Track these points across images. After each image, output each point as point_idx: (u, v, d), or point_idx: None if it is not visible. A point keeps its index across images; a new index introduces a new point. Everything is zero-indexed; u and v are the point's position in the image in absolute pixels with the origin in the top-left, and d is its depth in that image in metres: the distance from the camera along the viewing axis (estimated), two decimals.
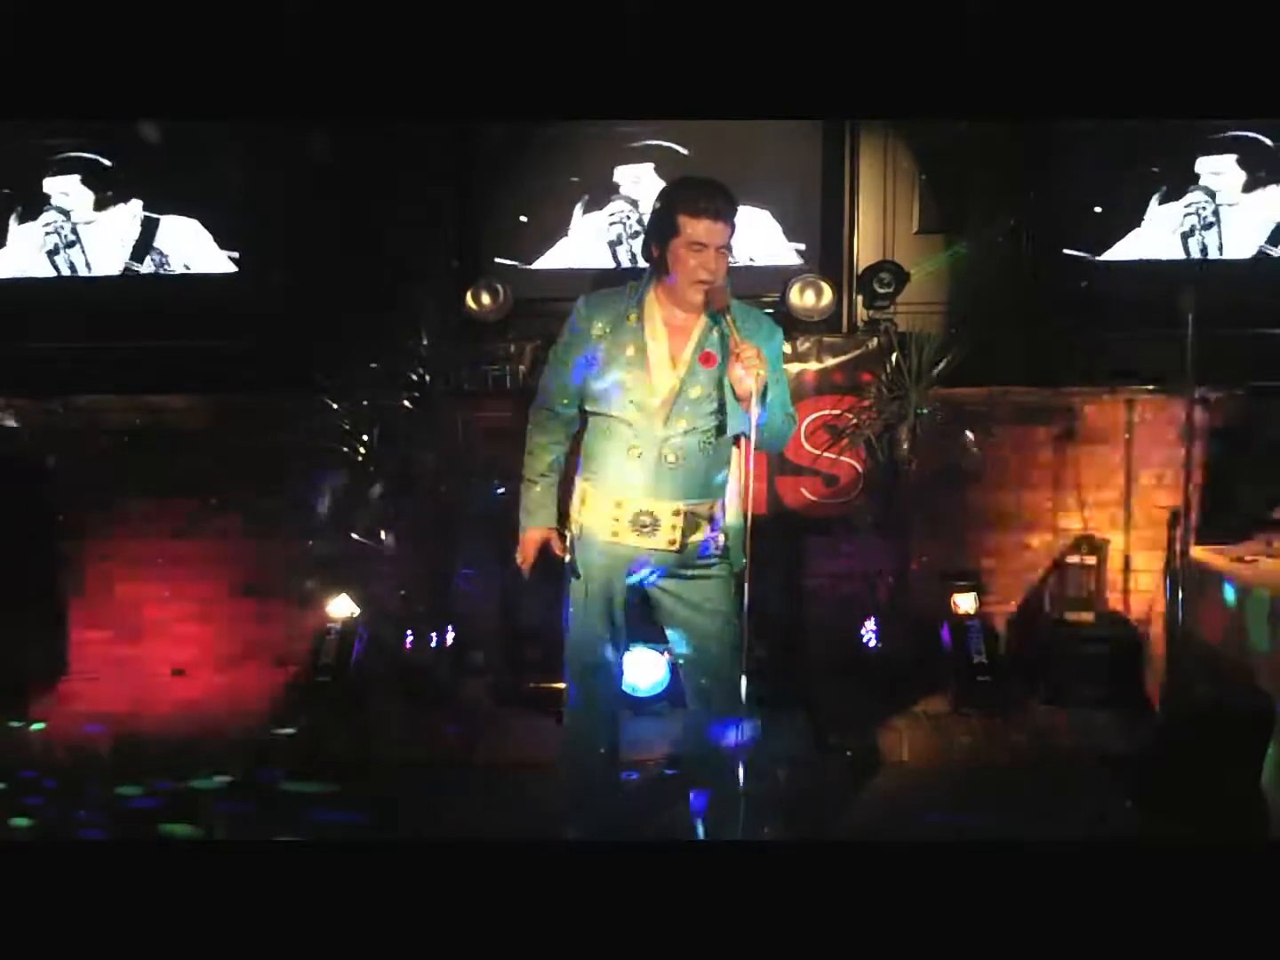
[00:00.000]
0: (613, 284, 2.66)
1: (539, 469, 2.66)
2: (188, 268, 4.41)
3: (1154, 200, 4.29)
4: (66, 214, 4.42)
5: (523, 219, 4.39)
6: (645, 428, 2.48)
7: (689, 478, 2.49)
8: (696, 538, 2.53)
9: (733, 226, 2.47)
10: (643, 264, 2.60)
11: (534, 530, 2.65)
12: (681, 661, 2.66)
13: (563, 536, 2.64)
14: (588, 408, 2.59)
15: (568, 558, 2.62)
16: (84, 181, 4.40)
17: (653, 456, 2.48)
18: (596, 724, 2.70)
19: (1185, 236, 4.32)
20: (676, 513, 2.50)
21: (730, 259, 2.50)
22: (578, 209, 4.36)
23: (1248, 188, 4.25)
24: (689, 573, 2.55)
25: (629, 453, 2.50)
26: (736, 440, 2.57)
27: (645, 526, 2.51)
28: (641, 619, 2.73)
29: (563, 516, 2.67)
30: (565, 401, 2.63)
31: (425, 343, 3.84)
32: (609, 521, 2.54)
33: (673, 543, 2.51)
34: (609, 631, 2.61)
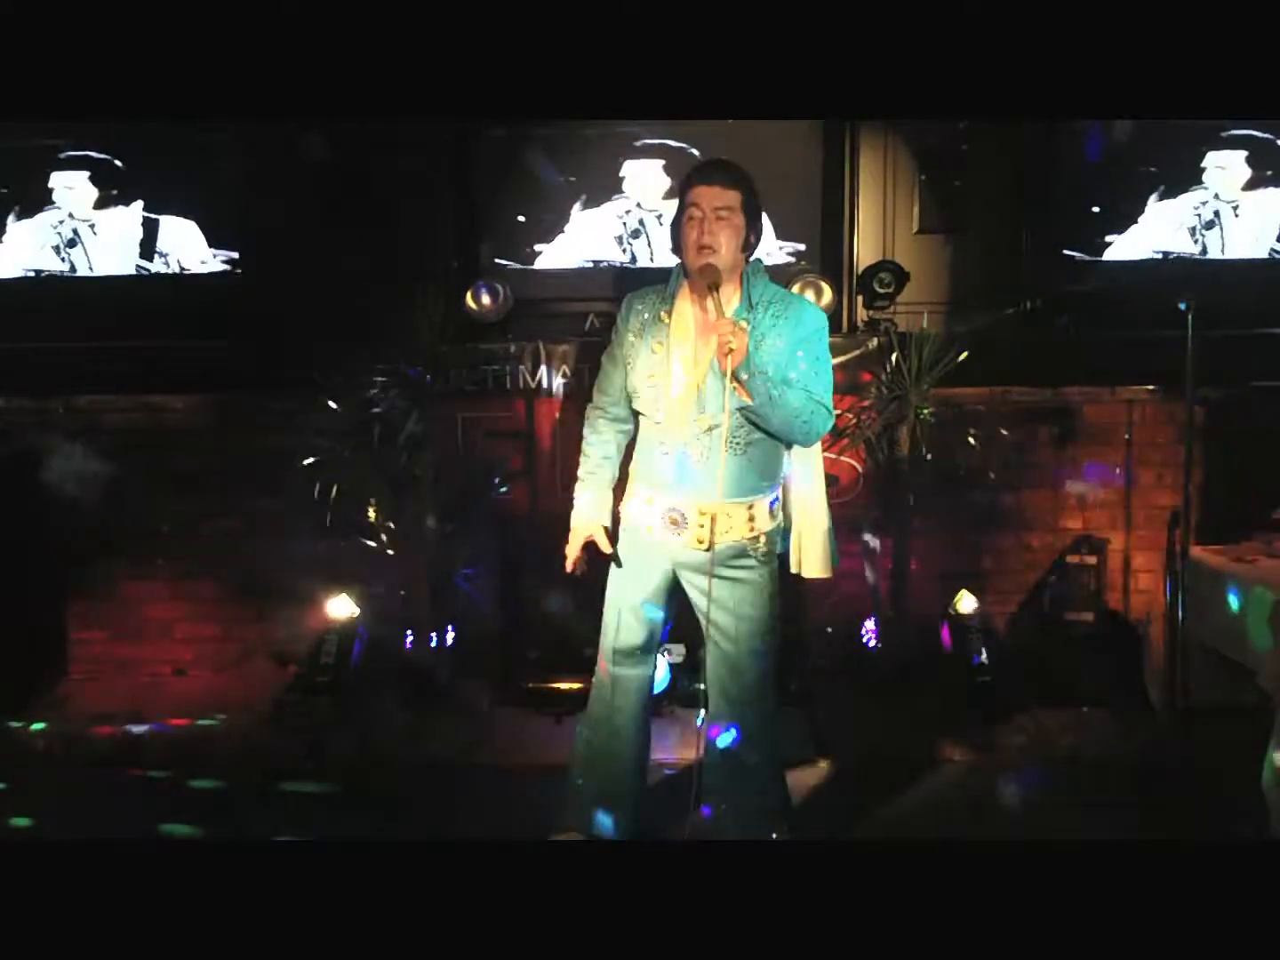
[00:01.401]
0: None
1: (587, 467, 2.69)
2: (187, 268, 4.41)
3: (1155, 199, 4.30)
4: (69, 212, 4.42)
5: (522, 219, 4.39)
6: (671, 425, 2.49)
7: (715, 477, 2.45)
8: (729, 538, 2.51)
9: (734, 191, 2.43)
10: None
11: (580, 525, 2.67)
12: (707, 660, 2.65)
13: (609, 533, 2.66)
14: (634, 406, 2.60)
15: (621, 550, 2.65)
16: (88, 180, 4.40)
17: (679, 454, 2.49)
18: (625, 715, 2.69)
19: (1187, 235, 4.32)
20: (703, 511, 2.49)
21: (747, 235, 2.47)
22: (577, 208, 4.36)
23: (1252, 186, 4.25)
24: (722, 573, 2.53)
25: (658, 449, 2.52)
26: (789, 445, 2.57)
27: (675, 523, 2.52)
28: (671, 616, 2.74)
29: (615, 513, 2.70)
30: (611, 400, 2.66)
31: (425, 343, 3.84)
32: (644, 516, 2.57)
33: (701, 541, 2.50)
34: (644, 620, 2.62)
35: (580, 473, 2.70)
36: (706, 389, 2.45)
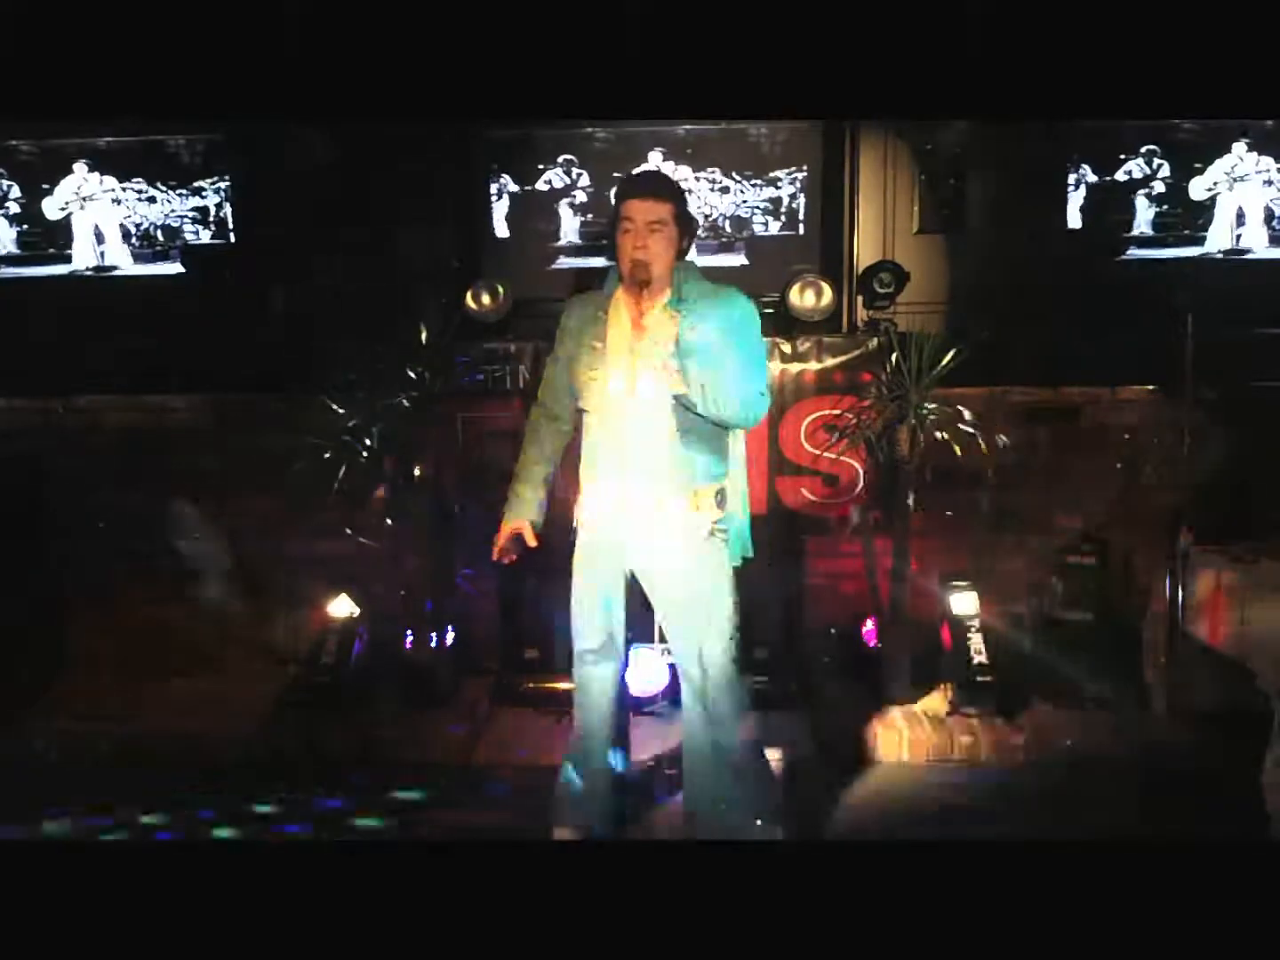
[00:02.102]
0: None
1: (521, 462, 2.76)
2: (187, 267, 4.41)
3: (1155, 198, 4.30)
4: (67, 212, 4.42)
5: (523, 219, 4.39)
6: (612, 417, 2.56)
7: (656, 466, 2.52)
8: (674, 526, 2.55)
9: (666, 204, 2.50)
10: None
11: (507, 520, 2.73)
12: (670, 652, 2.69)
13: (535, 528, 2.70)
14: (579, 404, 2.66)
15: (578, 548, 2.68)
16: (87, 179, 4.40)
17: (618, 445, 2.55)
18: (600, 714, 2.72)
19: (1189, 234, 4.32)
20: (647, 499, 2.54)
21: (680, 243, 2.55)
22: (577, 208, 4.36)
23: (1250, 183, 4.25)
24: (673, 561, 2.57)
25: (600, 443, 2.59)
26: (729, 429, 2.61)
27: (622, 514, 2.57)
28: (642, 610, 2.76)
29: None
30: (552, 399, 2.73)
31: (425, 343, 3.84)
32: (593, 512, 2.63)
33: (648, 529, 2.54)
34: (606, 619, 2.65)
35: (516, 469, 2.76)
36: (642, 380, 2.51)
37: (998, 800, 3.11)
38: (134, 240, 4.44)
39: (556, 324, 2.72)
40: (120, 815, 3.04)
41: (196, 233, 4.43)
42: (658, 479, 2.53)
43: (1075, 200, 4.32)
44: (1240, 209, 4.28)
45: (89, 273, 4.45)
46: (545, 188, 4.38)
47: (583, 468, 2.67)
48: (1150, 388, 4.09)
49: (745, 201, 4.35)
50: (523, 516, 2.70)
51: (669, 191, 2.54)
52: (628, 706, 2.83)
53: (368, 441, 3.77)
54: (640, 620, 2.80)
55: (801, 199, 4.37)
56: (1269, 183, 4.26)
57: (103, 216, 4.42)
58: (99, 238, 4.44)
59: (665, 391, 2.48)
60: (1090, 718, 3.64)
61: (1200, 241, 4.31)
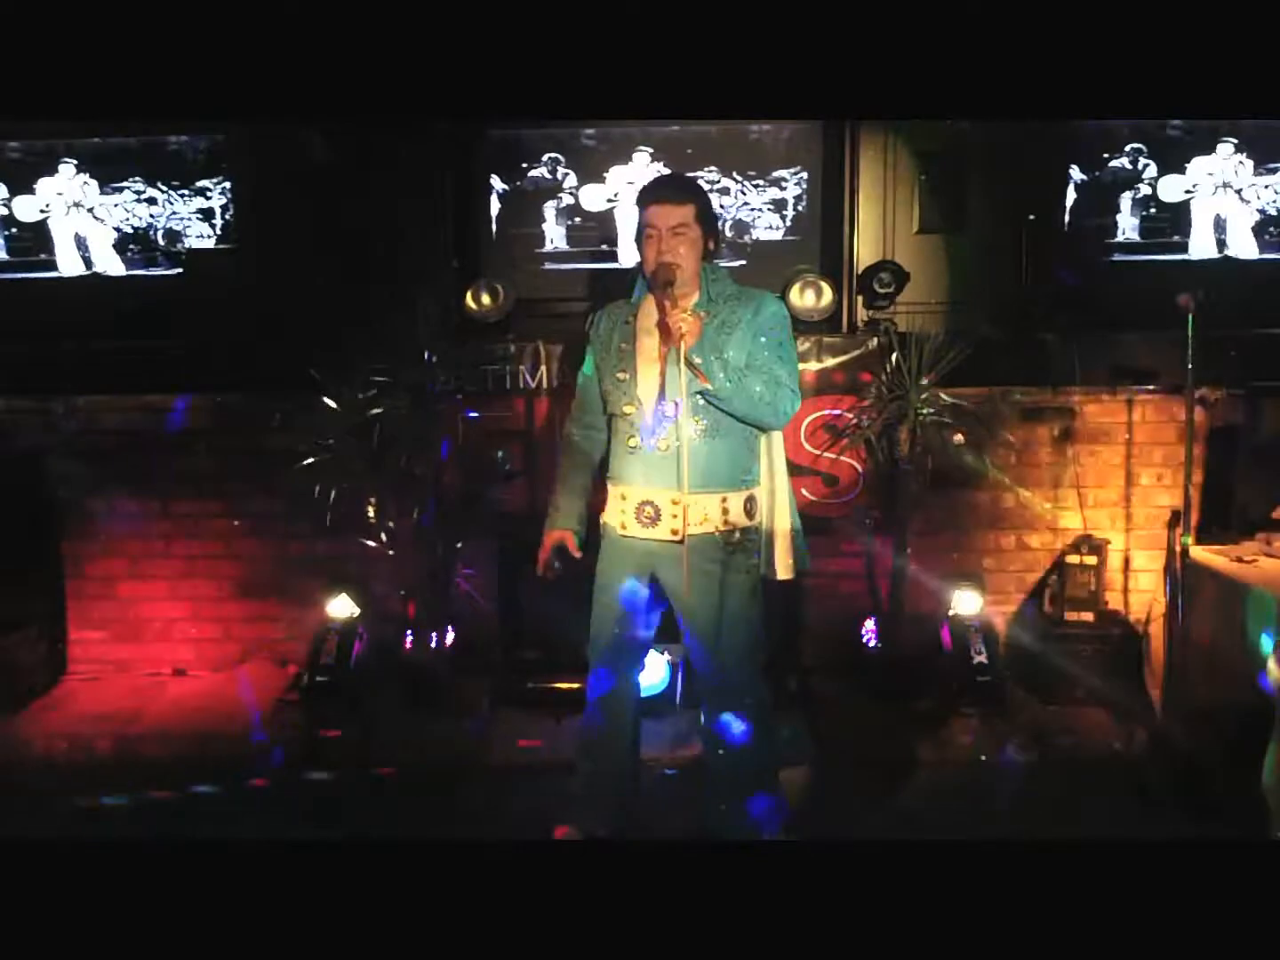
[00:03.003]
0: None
1: (560, 473, 2.77)
2: (187, 267, 4.41)
3: (1154, 198, 4.30)
4: (66, 211, 4.41)
5: (522, 219, 4.39)
6: (639, 420, 2.55)
7: (683, 467, 2.50)
8: (703, 530, 2.54)
9: (687, 206, 2.51)
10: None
11: (549, 532, 2.72)
12: (688, 656, 2.69)
13: (578, 538, 2.69)
14: (608, 409, 2.66)
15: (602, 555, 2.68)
16: (81, 175, 4.40)
17: (647, 447, 2.54)
18: (613, 718, 2.72)
19: (1186, 235, 4.32)
20: (675, 502, 2.52)
21: (704, 243, 2.55)
22: (578, 209, 4.36)
23: (1251, 183, 4.26)
24: (697, 566, 2.55)
25: (627, 445, 2.58)
26: (762, 430, 2.61)
27: (648, 517, 2.55)
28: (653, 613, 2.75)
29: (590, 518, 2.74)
30: (584, 410, 2.74)
31: (425, 343, 3.84)
32: (618, 514, 2.62)
33: (675, 532, 2.53)
34: (626, 625, 2.64)
35: (556, 481, 2.77)
36: (669, 381, 2.50)
37: (997, 800, 3.11)
38: (130, 245, 4.43)
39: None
40: (117, 815, 3.05)
41: (196, 234, 4.42)
42: (682, 478, 2.49)
43: (1078, 198, 4.32)
44: (1225, 213, 4.28)
45: (94, 274, 4.44)
46: (546, 186, 4.38)
47: (609, 472, 2.67)
48: (1150, 388, 4.09)
49: (745, 202, 4.35)
50: (565, 527, 2.70)
51: (690, 193, 2.55)
52: (640, 710, 2.82)
53: (368, 441, 3.77)
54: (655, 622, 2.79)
55: (802, 199, 4.37)
56: (1251, 186, 4.26)
57: (90, 219, 4.41)
58: (85, 242, 4.42)
59: (694, 394, 2.46)
60: (1090, 717, 3.64)
61: (1184, 248, 4.31)
